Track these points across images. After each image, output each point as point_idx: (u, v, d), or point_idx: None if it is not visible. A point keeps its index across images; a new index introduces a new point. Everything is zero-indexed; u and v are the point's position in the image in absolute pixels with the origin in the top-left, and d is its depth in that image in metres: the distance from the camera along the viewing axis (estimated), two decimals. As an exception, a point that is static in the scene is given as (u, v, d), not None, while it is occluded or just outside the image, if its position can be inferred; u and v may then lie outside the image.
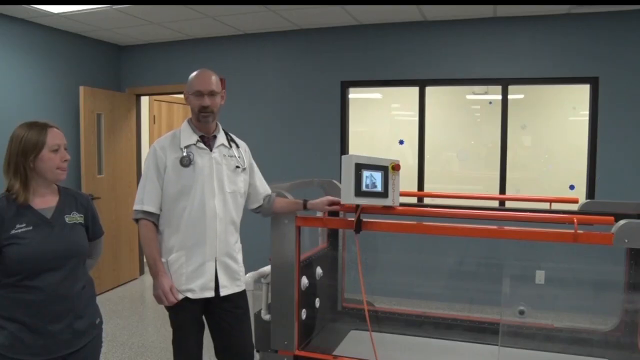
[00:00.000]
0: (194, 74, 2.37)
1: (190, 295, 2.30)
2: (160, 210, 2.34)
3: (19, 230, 1.76)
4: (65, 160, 1.88)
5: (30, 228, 1.78)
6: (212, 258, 2.33)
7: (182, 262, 2.30)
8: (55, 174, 1.86)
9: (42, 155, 1.81)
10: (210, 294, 2.33)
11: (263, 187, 2.57)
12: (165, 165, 2.30)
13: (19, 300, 1.75)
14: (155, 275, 2.28)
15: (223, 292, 2.35)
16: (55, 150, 1.84)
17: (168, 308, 2.37)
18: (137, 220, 2.34)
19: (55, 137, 1.85)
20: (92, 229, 2.02)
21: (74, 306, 1.86)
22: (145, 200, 2.30)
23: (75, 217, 1.92)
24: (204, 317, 2.43)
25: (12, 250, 1.74)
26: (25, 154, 1.80)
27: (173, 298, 2.25)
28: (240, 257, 2.48)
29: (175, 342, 2.39)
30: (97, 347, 2.01)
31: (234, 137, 2.53)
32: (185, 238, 2.30)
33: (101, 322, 2.02)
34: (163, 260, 2.32)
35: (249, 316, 2.51)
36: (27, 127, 1.84)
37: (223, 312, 2.39)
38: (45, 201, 1.87)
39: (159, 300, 2.28)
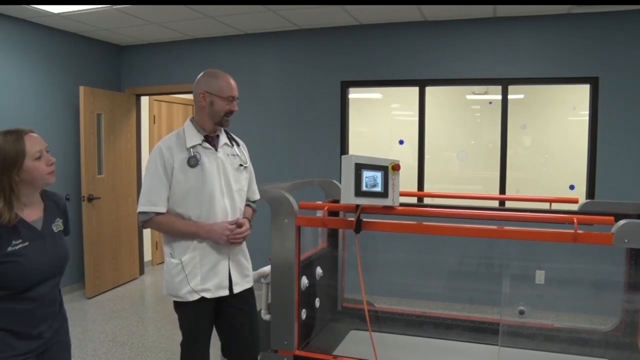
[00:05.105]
0: (220, 78, 2.37)
1: (207, 295, 2.30)
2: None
3: (16, 247, 1.69)
4: (52, 164, 1.78)
5: (27, 244, 1.72)
6: (226, 257, 2.35)
7: (196, 262, 2.30)
8: (45, 179, 1.78)
9: (25, 167, 1.70)
10: (225, 292, 2.34)
11: (251, 191, 2.57)
12: (172, 166, 2.27)
13: (9, 310, 1.71)
14: (206, 232, 2.27)
15: (236, 290, 2.38)
16: (39, 158, 1.74)
17: (180, 310, 2.36)
18: (145, 222, 2.31)
19: (34, 143, 1.74)
20: (65, 230, 1.96)
21: (56, 308, 1.87)
22: (155, 201, 2.27)
23: (59, 224, 1.88)
24: None
25: (10, 268, 1.67)
26: (7, 170, 1.68)
27: (234, 226, 2.30)
28: (247, 252, 2.50)
29: (186, 343, 2.38)
30: (67, 337, 1.99)
31: (233, 135, 2.55)
32: (199, 239, 2.30)
33: (64, 309, 1.98)
34: (176, 261, 2.30)
35: (256, 312, 2.53)
36: (1, 138, 1.69)
37: (234, 309, 2.40)
38: (34, 211, 1.80)
39: (230, 239, 2.29)
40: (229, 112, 2.37)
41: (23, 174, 1.71)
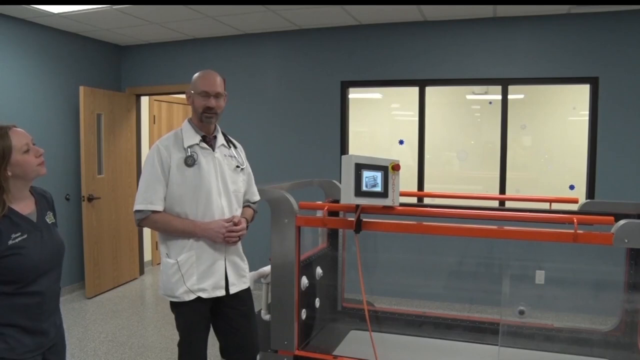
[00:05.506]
0: (199, 74, 2.37)
1: (203, 295, 2.30)
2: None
3: (17, 240, 1.72)
4: (41, 155, 1.81)
5: (26, 236, 1.75)
6: (222, 257, 2.35)
7: (192, 261, 2.30)
8: (37, 170, 1.80)
9: (15, 161, 1.73)
10: (222, 292, 2.34)
11: (250, 192, 2.56)
12: (169, 165, 2.28)
13: (17, 306, 1.74)
14: (203, 230, 2.27)
15: (232, 290, 2.37)
16: (27, 151, 1.76)
17: (176, 310, 2.36)
18: (141, 220, 2.30)
19: (20, 137, 1.76)
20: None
21: (58, 302, 1.91)
22: (153, 199, 2.27)
23: (51, 217, 1.92)
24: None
25: (14, 260, 1.70)
26: None
27: (230, 224, 2.29)
28: (243, 253, 2.50)
29: (183, 344, 2.38)
30: (64, 338, 2.01)
31: (230, 137, 2.55)
32: (195, 238, 2.30)
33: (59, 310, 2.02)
34: (172, 261, 2.30)
35: (254, 313, 2.52)
36: None
37: (231, 310, 2.40)
38: (27, 205, 1.83)
39: (225, 237, 2.29)
40: (207, 109, 2.32)
41: (14, 169, 1.74)
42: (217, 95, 2.33)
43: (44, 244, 1.81)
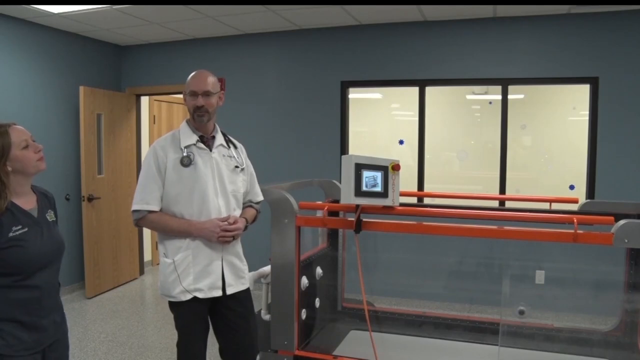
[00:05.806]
0: (191, 74, 2.38)
1: (199, 295, 2.30)
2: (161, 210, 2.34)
3: (17, 233, 1.76)
4: (40, 150, 1.85)
5: (26, 230, 1.78)
6: (219, 257, 2.35)
7: (189, 261, 2.30)
8: (36, 165, 1.84)
9: (14, 157, 1.77)
10: (218, 293, 2.34)
11: (252, 193, 2.56)
12: (165, 166, 2.30)
13: (15, 300, 1.76)
14: (198, 229, 2.28)
15: (229, 291, 2.37)
16: (26, 147, 1.81)
17: (174, 310, 2.36)
18: (139, 220, 2.32)
19: (19, 134, 1.81)
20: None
21: (58, 299, 1.93)
22: (149, 199, 2.29)
23: (51, 215, 1.95)
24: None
25: (14, 252, 1.74)
26: None
27: (225, 223, 2.29)
28: (242, 254, 2.50)
29: (181, 344, 2.38)
30: (67, 338, 2.03)
31: (231, 138, 2.55)
32: (191, 238, 2.31)
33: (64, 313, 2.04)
34: (169, 260, 2.31)
35: (254, 314, 2.52)
36: None
37: (230, 311, 2.40)
38: (29, 201, 1.87)
39: (222, 238, 2.29)
40: (196, 108, 2.33)
41: (14, 164, 1.78)
42: (205, 94, 2.32)
43: (44, 239, 1.84)
